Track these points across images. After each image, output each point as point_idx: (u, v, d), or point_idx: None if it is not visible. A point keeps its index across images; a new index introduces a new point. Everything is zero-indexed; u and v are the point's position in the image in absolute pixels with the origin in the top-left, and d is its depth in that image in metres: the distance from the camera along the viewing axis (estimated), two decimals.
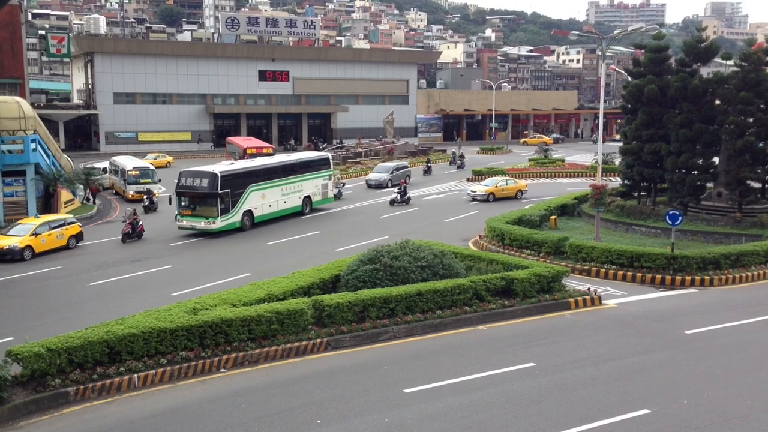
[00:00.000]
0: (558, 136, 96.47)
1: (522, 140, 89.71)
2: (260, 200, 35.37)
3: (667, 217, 25.68)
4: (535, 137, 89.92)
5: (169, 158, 63.30)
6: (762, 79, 32.13)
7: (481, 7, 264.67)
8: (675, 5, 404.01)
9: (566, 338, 18.72)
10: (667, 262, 25.02)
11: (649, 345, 18.11)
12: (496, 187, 43.46)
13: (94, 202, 42.33)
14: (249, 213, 34.81)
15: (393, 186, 47.31)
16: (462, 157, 62.01)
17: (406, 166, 52.43)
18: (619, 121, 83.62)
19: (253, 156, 50.76)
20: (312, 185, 39.31)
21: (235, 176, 34.31)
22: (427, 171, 57.08)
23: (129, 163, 46.18)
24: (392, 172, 50.07)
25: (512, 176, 55.39)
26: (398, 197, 42.21)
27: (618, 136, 69.34)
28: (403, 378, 15.77)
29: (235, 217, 33.87)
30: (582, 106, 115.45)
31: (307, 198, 38.96)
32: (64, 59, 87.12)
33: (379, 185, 48.52)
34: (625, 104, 37.30)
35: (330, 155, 42.44)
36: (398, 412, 13.97)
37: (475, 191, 43.60)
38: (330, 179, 40.83)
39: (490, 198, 42.81)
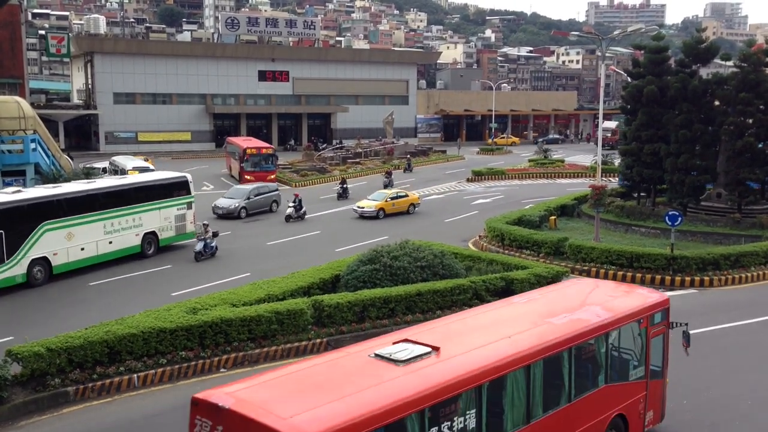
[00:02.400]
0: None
1: (490, 140, 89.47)
2: (64, 242, 25.49)
3: (666, 217, 25.70)
4: (503, 137, 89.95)
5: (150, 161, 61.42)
6: (762, 80, 32.14)
7: (480, 7, 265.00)
8: (674, 6, 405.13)
9: None
10: (666, 262, 25.03)
11: None
12: (386, 201, 38.55)
13: None
14: (43, 261, 24.85)
15: (249, 215, 38.40)
16: (390, 174, 49.58)
17: (273, 190, 41.43)
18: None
19: (253, 156, 50.61)
20: (158, 217, 29.54)
21: (15, 210, 24.26)
22: (342, 194, 44.45)
23: (128, 163, 46.14)
24: (248, 198, 39.01)
25: (509, 177, 55.48)
26: (293, 212, 37.21)
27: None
28: None
29: (14, 269, 23.95)
30: (582, 106, 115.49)
31: (151, 235, 29.19)
32: (64, 59, 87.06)
33: (229, 214, 37.67)
34: (625, 105, 37.34)
35: (189, 177, 31.92)
36: None
37: (362, 207, 38.16)
38: (189, 208, 31.08)
39: (379, 214, 37.79)
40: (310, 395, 8.73)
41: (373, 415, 8.30)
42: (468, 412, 9.36)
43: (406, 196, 40.18)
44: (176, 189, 30.91)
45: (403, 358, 9.57)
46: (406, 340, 10.35)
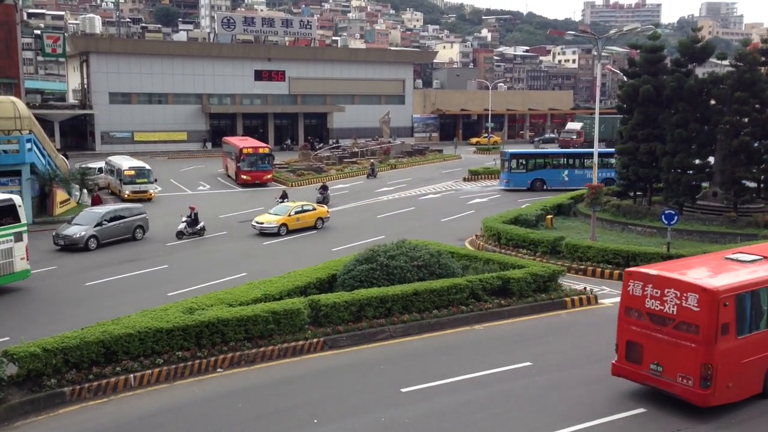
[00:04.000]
0: (552, 135, 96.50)
1: (475, 140, 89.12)
2: None
3: (662, 216, 25.72)
4: (485, 137, 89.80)
5: None
6: (757, 79, 32.21)
7: (477, 7, 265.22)
8: (670, 5, 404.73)
9: (562, 337, 18.76)
10: (662, 261, 25.03)
11: None
12: (289, 216, 34.51)
13: None
14: None
15: (102, 246, 31.16)
16: (325, 188, 43.02)
17: (138, 213, 33.52)
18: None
19: (250, 156, 50.47)
20: None
21: None
22: (283, 201, 38.59)
23: (125, 163, 46.03)
24: (100, 224, 31.60)
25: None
26: (185, 228, 32.88)
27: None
28: (399, 377, 15.78)
29: None
30: (578, 106, 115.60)
31: None
32: (60, 59, 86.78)
33: (73, 244, 30.48)
34: (621, 104, 37.36)
35: (17, 200, 24.33)
36: (395, 411, 13.98)
37: (261, 223, 34.10)
38: (18, 240, 23.72)
39: (281, 230, 33.86)
40: (701, 272, 14.64)
41: (744, 284, 13.91)
42: None
43: (314, 209, 36.13)
44: None
45: (747, 260, 15.20)
46: (740, 251, 16.04)
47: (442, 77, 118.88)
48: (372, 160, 60.58)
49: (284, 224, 34.35)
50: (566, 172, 47.44)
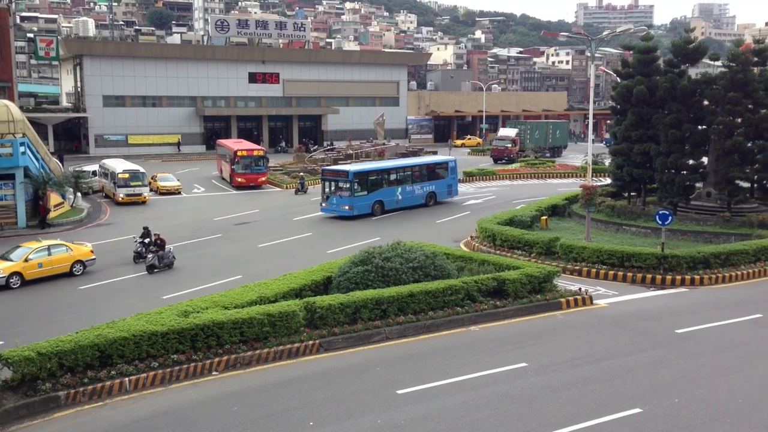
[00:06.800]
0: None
1: (460, 142, 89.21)
2: None
3: (657, 217, 25.80)
4: (470, 138, 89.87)
5: None
6: (750, 80, 32.32)
7: (470, 8, 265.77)
8: (663, 6, 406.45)
9: (558, 338, 18.77)
10: (657, 261, 25.13)
11: (640, 344, 18.20)
12: (26, 261, 25.30)
13: (43, 226, 35.56)
14: None
15: None
16: (147, 235, 28.82)
17: None
18: (609, 121, 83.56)
19: (244, 158, 50.47)
20: None
21: None
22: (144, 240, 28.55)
23: (119, 166, 45.94)
24: None
25: (500, 177, 55.07)
26: None
27: (608, 135, 68.44)
28: (395, 379, 15.78)
29: None
30: (572, 107, 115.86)
31: None
32: (53, 62, 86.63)
33: None
34: (615, 105, 37.44)
35: None
36: (391, 413, 13.98)
37: None
38: None
39: (12, 282, 24.78)
40: None
41: None
42: None
43: (68, 249, 26.63)
44: None
45: None
46: None
47: (436, 79, 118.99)
48: (301, 174, 53.02)
49: (17, 273, 25.08)
50: (399, 189, 40.54)
